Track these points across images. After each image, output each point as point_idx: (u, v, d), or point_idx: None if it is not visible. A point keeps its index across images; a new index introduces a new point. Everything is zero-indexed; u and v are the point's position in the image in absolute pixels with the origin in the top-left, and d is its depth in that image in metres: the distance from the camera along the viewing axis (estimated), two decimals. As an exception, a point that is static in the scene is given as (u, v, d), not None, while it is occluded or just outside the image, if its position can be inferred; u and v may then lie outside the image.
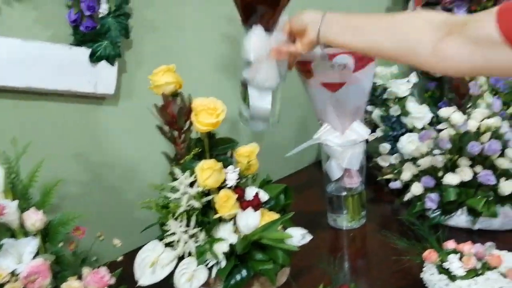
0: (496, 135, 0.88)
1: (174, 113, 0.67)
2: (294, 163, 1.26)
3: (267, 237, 0.69)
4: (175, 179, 0.67)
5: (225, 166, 0.72)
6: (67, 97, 0.83)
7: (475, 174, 0.86)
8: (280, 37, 0.74)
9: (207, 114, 0.69)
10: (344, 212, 0.96)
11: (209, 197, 0.69)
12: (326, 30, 0.69)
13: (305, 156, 1.29)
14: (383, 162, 1.11)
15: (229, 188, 0.71)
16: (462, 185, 0.87)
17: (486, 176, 0.84)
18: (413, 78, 1.17)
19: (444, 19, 0.60)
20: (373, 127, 1.28)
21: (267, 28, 0.74)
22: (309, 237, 0.69)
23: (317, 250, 0.87)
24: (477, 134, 0.87)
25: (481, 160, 0.87)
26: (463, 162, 0.88)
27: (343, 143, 0.88)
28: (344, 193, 0.95)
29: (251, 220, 0.66)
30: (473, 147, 0.85)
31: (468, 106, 0.94)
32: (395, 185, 0.99)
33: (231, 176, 0.71)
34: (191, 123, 0.70)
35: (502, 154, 0.87)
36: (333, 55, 0.79)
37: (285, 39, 0.74)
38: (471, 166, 0.87)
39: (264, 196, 0.76)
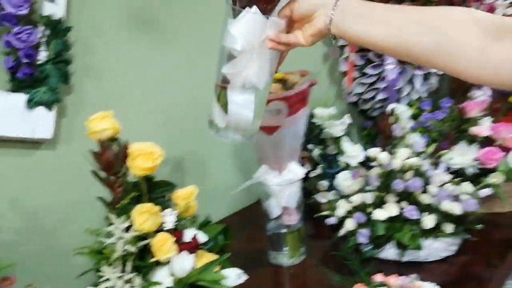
0: (418, 172, 0.96)
1: (110, 159, 0.69)
2: (236, 203, 1.29)
3: (203, 279, 0.70)
4: (110, 224, 0.68)
5: (163, 209, 0.74)
6: (4, 142, 0.82)
7: (401, 209, 0.93)
8: (278, 22, 0.60)
9: (144, 159, 0.71)
10: (284, 249, 0.99)
11: (146, 241, 0.70)
12: (341, 17, 0.55)
13: (246, 196, 1.32)
14: (322, 198, 1.17)
15: (167, 231, 0.73)
16: (390, 220, 0.93)
17: (410, 211, 0.91)
18: (348, 119, 1.25)
19: (492, 19, 0.50)
20: (314, 165, 1.35)
21: (263, 10, 0.59)
22: (244, 277, 0.72)
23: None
24: (402, 172, 0.95)
25: (406, 196, 0.94)
26: (390, 198, 0.94)
27: (281, 182, 0.93)
28: (284, 230, 0.99)
29: (186, 263, 0.67)
30: (398, 184, 0.93)
31: (393, 146, 1.02)
32: (331, 221, 1.04)
33: (169, 219, 0.73)
34: (127, 168, 0.72)
35: (425, 191, 0.95)
36: (268, 101, 0.84)
37: (284, 26, 0.61)
38: (398, 202, 0.94)
39: (202, 237, 0.78)
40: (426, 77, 1.54)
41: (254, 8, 0.58)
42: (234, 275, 0.71)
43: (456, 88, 1.22)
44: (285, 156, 0.92)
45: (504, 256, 0.97)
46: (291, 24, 0.62)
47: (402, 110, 1.12)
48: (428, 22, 0.52)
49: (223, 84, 0.64)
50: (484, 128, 1.13)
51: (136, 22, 1.01)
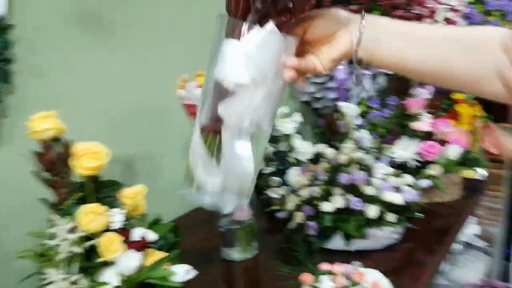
0: (362, 166, 1.01)
1: (53, 159, 0.68)
2: (190, 202, 1.29)
3: (152, 277, 0.71)
4: (54, 225, 0.67)
5: (111, 209, 0.74)
6: None
7: (347, 201, 0.97)
8: (292, 44, 0.48)
9: (89, 159, 0.71)
10: (236, 245, 1.01)
11: (92, 242, 0.70)
12: (371, 37, 0.46)
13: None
14: (274, 194, 1.20)
15: (115, 230, 0.73)
16: (337, 211, 0.97)
17: (355, 203, 0.96)
18: (298, 117, 1.29)
19: None
20: (268, 162, 1.38)
21: (280, 26, 0.45)
22: (193, 273, 0.73)
23: (212, 284, 0.90)
24: (347, 166, 1.00)
25: (351, 188, 0.99)
26: (337, 191, 0.98)
27: (231, 179, 0.94)
28: (236, 226, 1.01)
29: (132, 261, 0.68)
30: (343, 178, 0.97)
31: (340, 141, 1.07)
32: (281, 215, 1.07)
33: (116, 218, 0.73)
34: (71, 168, 0.71)
35: (369, 183, 1.00)
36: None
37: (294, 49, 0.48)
38: (344, 194, 0.98)
39: (151, 236, 0.78)
40: (374, 77, 1.61)
41: (271, 24, 0.44)
42: (182, 271, 0.72)
43: (399, 87, 1.29)
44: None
45: (442, 243, 1.04)
46: (304, 47, 0.51)
47: (349, 108, 1.17)
48: (470, 43, 0.44)
49: (214, 127, 0.47)
50: (424, 123, 1.20)
51: (83, 21, 0.99)
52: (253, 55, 0.44)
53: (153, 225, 0.83)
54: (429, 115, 1.22)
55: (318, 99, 1.60)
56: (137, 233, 0.75)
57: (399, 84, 1.29)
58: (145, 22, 1.12)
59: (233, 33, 0.46)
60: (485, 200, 2.16)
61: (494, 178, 2.19)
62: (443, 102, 1.98)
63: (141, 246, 0.73)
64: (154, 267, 0.72)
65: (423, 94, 1.23)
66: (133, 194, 0.77)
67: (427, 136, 1.22)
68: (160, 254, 0.76)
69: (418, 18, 1.39)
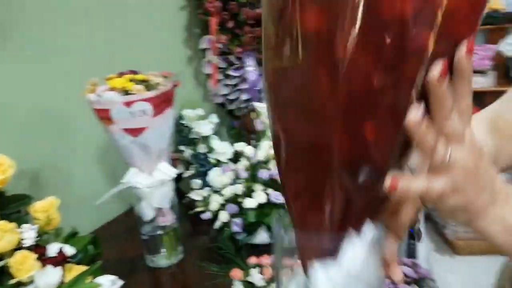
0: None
1: None
2: (110, 211, 1.24)
3: (74, 292, 0.66)
4: (-47, 249, 0.59)
5: (20, 225, 0.68)
6: None
7: (268, 196, 1.01)
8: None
9: (-8, 172, 0.64)
10: (161, 251, 0.99)
11: (2, 262, 0.63)
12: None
13: (121, 203, 1.28)
14: (196, 196, 1.19)
15: (27, 248, 0.67)
16: (260, 207, 1.00)
17: (276, 197, 1.00)
18: (215, 118, 1.30)
19: None
20: (187, 166, 1.37)
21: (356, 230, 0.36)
22: (120, 283, 0.70)
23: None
24: (265, 163, 1.03)
25: (271, 183, 1.02)
26: (258, 187, 1.02)
27: (151, 183, 0.92)
28: (159, 232, 0.99)
29: (51, 278, 0.63)
30: (263, 174, 1.00)
31: (257, 140, 1.10)
32: (206, 216, 1.07)
33: (28, 234, 0.67)
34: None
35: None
36: (130, 102, 0.83)
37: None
38: (265, 189, 1.02)
39: (69, 250, 0.73)
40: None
41: (372, 229, 0.36)
42: (108, 282, 0.68)
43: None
44: (153, 157, 0.92)
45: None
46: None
47: (263, 108, 1.21)
48: None
49: None
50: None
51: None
52: (359, 273, 0.35)
53: (70, 238, 0.78)
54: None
55: (231, 100, 1.63)
56: (53, 249, 0.70)
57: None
58: (46, 23, 1.04)
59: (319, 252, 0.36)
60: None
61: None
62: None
63: (59, 261, 0.68)
64: (75, 281, 0.68)
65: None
66: (45, 208, 0.72)
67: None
68: (81, 268, 0.72)
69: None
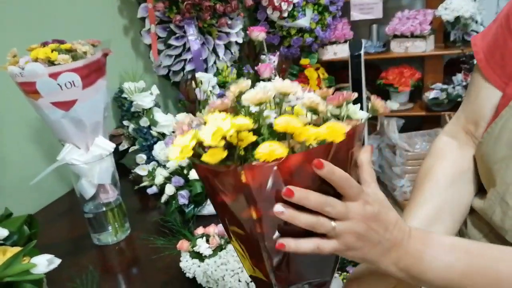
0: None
1: None
2: (51, 193, 1.18)
3: (9, 275, 0.63)
4: None
5: None
6: None
7: (214, 165, 1.00)
8: None
9: None
10: (107, 228, 0.96)
11: None
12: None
13: (63, 182, 1.22)
14: (142, 171, 1.16)
15: (-49, 233, 0.62)
16: (206, 177, 0.99)
17: (221, 166, 0.99)
18: (155, 90, 1.26)
19: None
20: (133, 141, 1.33)
21: None
22: (57, 261, 0.67)
23: (84, 272, 0.85)
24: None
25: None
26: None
27: (89, 159, 0.89)
28: (103, 209, 0.96)
29: (-23, 261, 0.59)
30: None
31: (199, 110, 1.08)
32: (152, 190, 1.05)
33: (-50, 219, 0.62)
34: None
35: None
36: (57, 73, 0.78)
37: None
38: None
39: (2, 232, 0.69)
40: (227, 46, 1.66)
41: None
42: (44, 261, 0.65)
43: (249, 53, 1.35)
44: (89, 131, 0.87)
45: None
46: None
47: (204, 77, 1.18)
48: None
49: None
50: (276, 85, 1.29)
51: None
52: None
53: (3, 220, 0.74)
54: (279, 78, 1.31)
55: (175, 72, 1.58)
56: (-17, 232, 0.66)
57: (249, 51, 1.35)
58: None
59: None
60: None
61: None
62: (290, 66, 2.16)
63: (-11, 245, 0.64)
64: (9, 264, 0.64)
65: (271, 59, 1.31)
66: (-31, 189, 0.67)
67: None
68: (15, 250, 0.68)
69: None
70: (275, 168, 0.38)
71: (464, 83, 2.32)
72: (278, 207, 0.40)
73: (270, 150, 0.37)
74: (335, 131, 0.38)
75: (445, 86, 2.40)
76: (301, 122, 0.39)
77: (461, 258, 0.44)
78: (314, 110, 0.43)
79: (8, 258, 0.65)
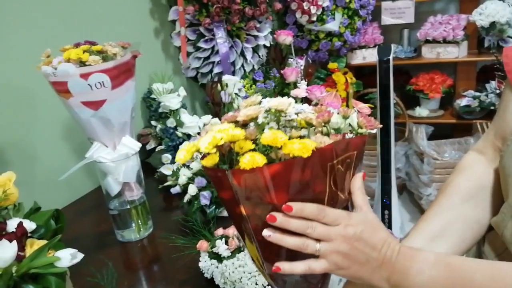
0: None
1: None
2: (79, 188, 1.22)
3: (35, 266, 0.66)
4: None
5: (-25, 202, 0.66)
6: None
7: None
8: None
9: None
10: (131, 226, 0.99)
11: (-45, 239, 0.62)
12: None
13: (90, 180, 1.26)
14: (167, 171, 1.19)
15: (-16, 224, 0.65)
16: (228, 179, 1.00)
17: (244, 168, 1.00)
18: (183, 91, 1.29)
19: None
20: (160, 141, 1.36)
21: None
22: (80, 256, 0.69)
23: (107, 267, 0.87)
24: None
25: (239, 155, 1.02)
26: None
27: (116, 158, 0.91)
28: (127, 207, 0.98)
29: (6, 252, 0.62)
30: (230, 145, 1.00)
31: (224, 112, 1.09)
32: (175, 190, 1.06)
33: (-16, 210, 0.66)
34: None
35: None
36: (87, 74, 0.81)
37: None
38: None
39: (30, 225, 0.72)
40: (255, 49, 1.67)
41: None
42: (68, 255, 0.68)
43: (276, 57, 1.35)
44: (117, 131, 0.90)
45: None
46: None
47: (230, 80, 1.19)
48: None
49: None
50: (301, 90, 1.28)
51: None
52: None
53: (32, 213, 0.77)
54: (305, 82, 1.31)
55: (203, 74, 1.60)
56: (13, 224, 0.69)
57: (276, 55, 1.35)
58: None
59: None
60: (364, 159, 2.43)
61: (369, 137, 2.46)
62: (317, 70, 2.15)
63: (18, 236, 0.67)
64: (35, 256, 0.67)
65: (299, 63, 1.31)
66: (3, 182, 0.70)
67: (305, 101, 1.31)
68: (42, 243, 0.71)
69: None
70: (255, 173, 0.44)
71: (498, 91, 2.24)
72: (265, 232, 0.46)
73: (250, 159, 0.43)
74: (305, 148, 0.43)
75: (477, 94, 2.33)
76: (287, 137, 0.45)
77: (442, 271, 0.46)
78: (310, 124, 0.48)
79: (34, 251, 0.68)
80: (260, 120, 0.49)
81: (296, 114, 0.50)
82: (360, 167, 0.54)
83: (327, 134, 0.48)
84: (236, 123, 0.48)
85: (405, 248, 0.49)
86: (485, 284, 0.45)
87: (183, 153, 0.46)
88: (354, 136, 0.50)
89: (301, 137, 0.46)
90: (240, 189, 0.45)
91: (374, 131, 0.52)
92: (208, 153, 0.45)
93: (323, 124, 0.48)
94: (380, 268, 0.47)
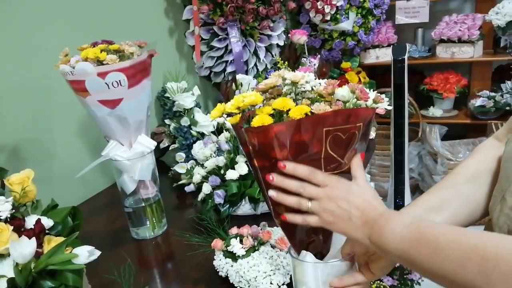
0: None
1: None
2: (94, 186, 1.24)
3: (52, 263, 0.67)
4: None
5: (-4, 198, 0.67)
6: None
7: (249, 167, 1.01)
8: (337, 265, 0.61)
9: (-38, 145, 0.63)
10: (145, 223, 1.00)
11: (-23, 235, 0.63)
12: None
13: (106, 177, 1.27)
14: (181, 169, 1.19)
15: (4, 220, 0.66)
16: (242, 178, 1.00)
17: (258, 168, 1.00)
18: (197, 90, 1.29)
19: None
20: (173, 139, 1.36)
21: (318, 255, 0.61)
22: (97, 253, 0.70)
23: (122, 264, 0.88)
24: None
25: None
26: (240, 158, 1.01)
27: (131, 156, 0.92)
28: (142, 205, 0.99)
29: (25, 248, 0.63)
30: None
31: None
32: (190, 188, 1.07)
33: (3, 207, 0.67)
34: None
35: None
36: (105, 73, 0.81)
37: (348, 265, 0.61)
38: (247, 161, 1.02)
39: (47, 222, 0.73)
40: (268, 49, 1.67)
41: (308, 256, 0.61)
42: (85, 252, 0.69)
43: (290, 56, 1.35)
44: (133, 129, 0.91)
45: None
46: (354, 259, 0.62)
47: (244, 78, 1.19)
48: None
49: None
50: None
51: None
52: (305, 278, 0.61)
53: (49, 210, 0.78)
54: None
55: (217, 73, 1.61)
56: (31, 221, 0.70)
57: (290, 54, 1.35)
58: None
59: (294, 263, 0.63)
60: (377, 159, 2.41)
61: (382, 137, 2.44)
62: (330, 70, 2.13)
63: (36, 233, 0.68)
64: (53, 253, 0.68)
65: (312, 62, 1.31)
66: (21, 180, 0.71)
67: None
68: (59, 240, 0.72)
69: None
70: (263, 131, 0.52)
71: (514, 91, 2.20)
72: (271, 192, 0.56)
73: (259, 119, 0.52)
74: (298, 110, 0.51)
75: (492, 94, 2.29)
76: (294, 104, 0.53)
77: (411, 233, 0.51)
78: (321, 95, 0.56)
79: (51, 247, 0.69)
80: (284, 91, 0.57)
81: (312, 88, 0.57)
82: (366, 145, 0.59)
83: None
84: (264, 93, 0.57)
85: (387, 212, 0.55)
86: (447, 246, 0.47)
87: (214, 112, 0.56)
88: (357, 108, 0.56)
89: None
90: (252, 144, 0.54)
91: (383, 111, 0.60)
92: (233, 113, 0.55)
93: (330, 96, 0.55)
94: (363, 226, 0.54)
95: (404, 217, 0.53)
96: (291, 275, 0.72)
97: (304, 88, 0.57)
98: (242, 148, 0.58)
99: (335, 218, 0.55)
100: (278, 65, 1.30)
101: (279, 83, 0.57)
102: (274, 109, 0.54)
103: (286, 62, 1.36)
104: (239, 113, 0.56)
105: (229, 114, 0.57)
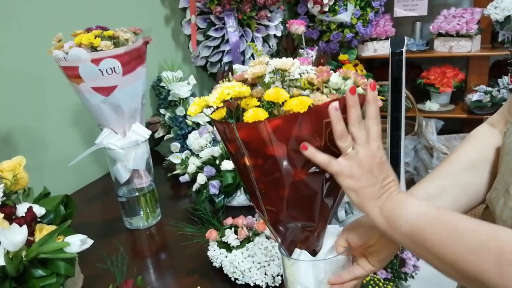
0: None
1: None
2: (88, 175, 1.22)
3: (44, 251, 0.66)
4: None
5: (-14, 185, 0.66)
6: None
7: (246, 158, 1.00)
8: (335, 261, 0.57)
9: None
10: (139, 213, 0.99)
11: (-34, 222, 0.62)
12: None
13: (99, 166, 1.26)
14: (175, 159, 1.18)
15: (-6, 208, 0.65)
16: (237, 169, 0.99)
17: (253, 158, 0.99)
18: (192, 80, 1.27)
19: None
20: (168, 129, 1.35)
21: (311, 252, 0.57)
22: (89, 242, 0.69)
23: (115, 254, 0.87)
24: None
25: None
26: (235, 149, 1.00)
27: (125, 145, 0.91)
28: (136, 194, 0.98)
29: (16, 236, 0.62)
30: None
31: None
32: (184, 178, 1.06)
33: (-6, 194, 0.66)
34: None
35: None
36: (99, 59, 0.80)
37: (346, 260, 0.58)
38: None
39: (39, 210, 0.72)
40: (265, 39, 1.65)
41: (302, 254, 0.57)
42: (78, 241, 0.68)
43: (287, 47, 1.33)
44: (127, 117, 0.89)
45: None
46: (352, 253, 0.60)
47: (240, 68, 1.18)
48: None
49: None
50: (313, 80, 1.27)
51: None
52: (297, 277, 0.58)
53: (41, 199, 0.77)
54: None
55: (213, 63, 1.59)
56: (22, 209, 0.69)
57: (287, 45, 1.33)
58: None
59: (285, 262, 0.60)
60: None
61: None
62: (327, 62, 2.12)
63: (28, 221, 0.67)
64: (44, 241, 0.67)
65: (309, 53, 1.29)
66: (12, 167, 0.70)
67: (317, 90, 1.30)
68: (51, 228, 0.71)
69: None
70: (257, 126, 0.47)
71: (510, 86, 2.20)
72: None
73: (253, 114, 0.46)
74: (302, 103, 0.46)
75: (489, 89, 2.29)
76: (289, 95, 0.47)
77: (430, 211, 0.49)
78: (312, 84, 0.51)
79: (43, 236, 0.68)
80: (266, 80, 0.52)
81: (300, 75, 0.52)
82: None
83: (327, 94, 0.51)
84: (245, 82, 0.51)
85: (405, 193, 0.53)
86: (465, 229, 0.46)
87: (194, 107, 0.50)
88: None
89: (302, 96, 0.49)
90: (244, 141, 0.49)
91: (381, 103, 0.53)
92: (217, 108, 0.49)
93: (323, 84, 0.51)
94: (380, 197, 0.51)
95: (421, 201, 0.51)
96: None
97: (293, 76, 0.52)
98: (227, 146, 0.52)
99: (362, 176, 0.49)
100: (253, 53, 1.27)
101: (267, 72, 0.51)
102: (259, 100, 0.49)
103: (261, 50, 1.34)
104: (223, 107, 0.49)
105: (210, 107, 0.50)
